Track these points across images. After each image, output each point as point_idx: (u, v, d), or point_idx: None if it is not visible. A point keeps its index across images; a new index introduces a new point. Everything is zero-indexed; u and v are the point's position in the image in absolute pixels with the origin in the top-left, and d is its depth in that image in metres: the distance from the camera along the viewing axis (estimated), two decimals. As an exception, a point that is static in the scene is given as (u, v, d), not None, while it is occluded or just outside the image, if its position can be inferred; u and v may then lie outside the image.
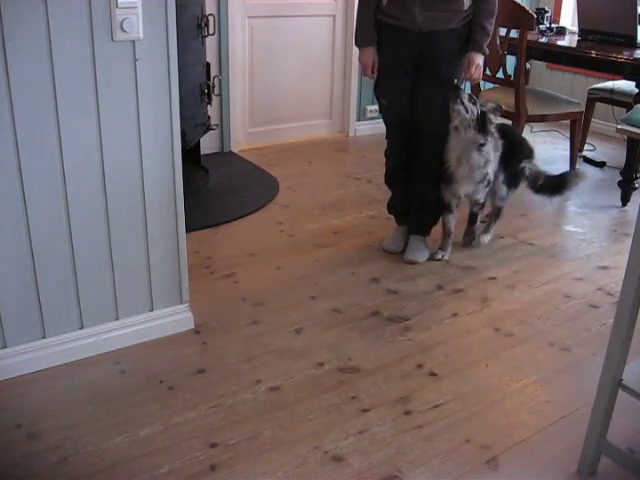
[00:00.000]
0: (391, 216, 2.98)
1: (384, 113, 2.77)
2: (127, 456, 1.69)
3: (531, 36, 3.68)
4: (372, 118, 4.66)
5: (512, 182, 2.93)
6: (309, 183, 3.70)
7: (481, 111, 2.61)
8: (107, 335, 2.09)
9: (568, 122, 3.92)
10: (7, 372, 1.95)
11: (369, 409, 1.89)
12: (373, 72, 2.65)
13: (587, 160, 4.25)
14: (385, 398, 1.94)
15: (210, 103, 3.55)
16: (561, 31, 4.10)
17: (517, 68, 3.62)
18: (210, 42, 3.68)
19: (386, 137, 2.82)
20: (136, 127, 1.92)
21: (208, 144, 4.00)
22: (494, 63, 3.68)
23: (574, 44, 3.75)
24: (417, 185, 2.81)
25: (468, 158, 2.63)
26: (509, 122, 3.71)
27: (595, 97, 4.26)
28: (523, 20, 3.41)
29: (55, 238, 1.91)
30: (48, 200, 1.86)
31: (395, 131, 2.76)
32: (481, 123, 2.59)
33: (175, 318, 2.21)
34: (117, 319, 2.11)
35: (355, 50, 4.34)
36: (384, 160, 2.86)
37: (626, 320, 1.47)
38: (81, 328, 2.06)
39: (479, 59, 2.59)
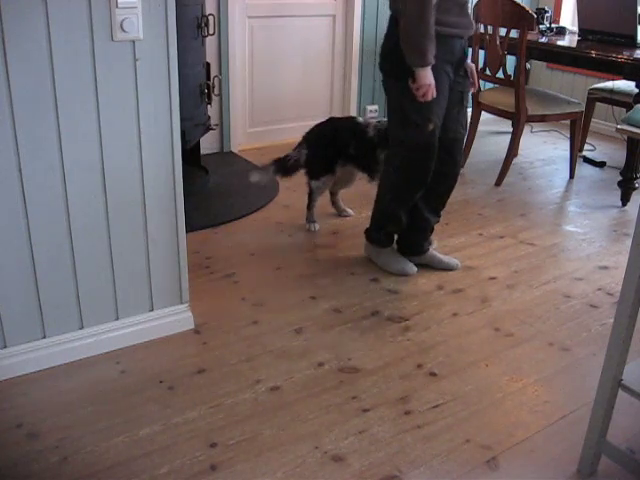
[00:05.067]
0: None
1: (427, 137, 2.40)
2: (127, 456, 1.69)
3: (531, 36, 3.68)
4: (372, 118, 4.65)
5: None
6: (309, 183, 3.70)
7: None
8: (107, 335, 2.10)
9: (568, 122, 3.92)
10: (7, 372, 1.95)
11: (369, 409, 1.89)
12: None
13: (587, 160, 4.25)
14: (385, 398, 1.94)
15: (210, 103, 3.55)
16: (561, 31, 4.10)
17: (517, 68, 3.62)
18: (210, 42, 3.68)
19: (411, 164, 2.48)
20: (136, 127, 1.92)
21: (208, 144, 4.00)
22: (494, 63, 3.69)
23: (574, 44, 3.75)
24: (439, 205, 2.72)
25: None
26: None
27: (595, 97, 4.26)
28: (523, 20, 3.41)
29: (55, 238, 1.91)
30: (48, 200, 1.86)
31: (433, 155, 2.46)
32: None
33: (175, 318, 2.21)
34: (117, 319, 2.11)
35: (355, 50, 4.42)
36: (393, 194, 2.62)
37: (626, 320, 1.47)
38: (81, 328, 2.06)
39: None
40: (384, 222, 2.70)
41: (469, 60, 2.57)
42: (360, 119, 2.99)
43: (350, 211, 3.31)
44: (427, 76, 2.28)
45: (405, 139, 2.47)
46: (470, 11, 2.42)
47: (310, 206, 3.13)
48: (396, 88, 2.41)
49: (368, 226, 2.78)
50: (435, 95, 2.32)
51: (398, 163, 2.55)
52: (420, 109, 2.36)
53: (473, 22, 2.42)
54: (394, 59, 2.33)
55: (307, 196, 3.12)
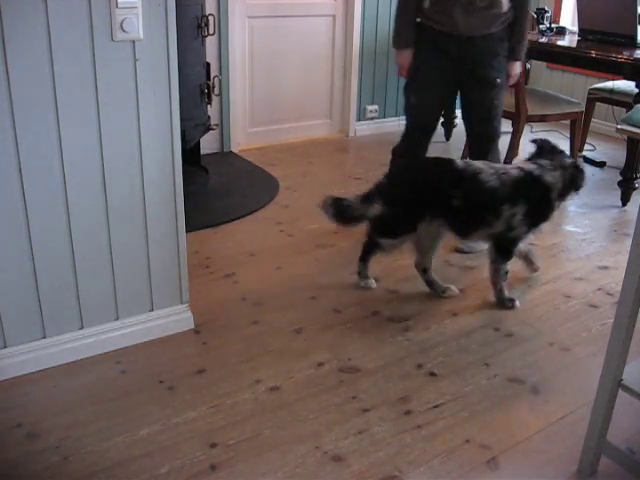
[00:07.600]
0: None
1: (410, 111, 2.80)
2: (127, 456, 1.69)
3: (531, 36, 3.67)
4: (372, 118, 4.66)
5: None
6: (309, 183, 3.69)
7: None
8: (107, 335, 2.09)
9: (568, 122, 3.92)
10: (7, 372, 1.95)
11: (369, 409, 1.89)
12: (408, 73, 2.73)
13: (587, 160, 4.25)
14: (385, 398, 1.94)
15: (210, 103, 3.55)
16: (561, 31, 4.11)
17: (517, 68, 3.61)
18: (210, 42, 3.67)
19: (403, 136, 2.85)
20: (136, 127, 1.92)
21: (208, 144, 4.00)
22: (494, 63, 3.68)
23: (574, 44, 3.75)
24: None
25: None
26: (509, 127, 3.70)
27: (595, 97, 4.26)
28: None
29: (55, 238, 1.91)
30: (48, 200, 1.86)
31: (416, 132, 2.80)
32: None
33: (175, 318, 2.21)
34: (117, 319, 2.11)
35: (355, 50, 4.42)
36: (390, 158, 2.89)
37: (626, 320, 1.47)
38: (81, 328, 2.06)
39: (517, 68, 2.72)
40: None
41: (513, 62, 2.71)
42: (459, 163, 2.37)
43: (454, 289, 2.53)
44: (399, 57, 2.77)
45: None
46: (457, 12, 2.51)
47: (365, 259, 2.55)
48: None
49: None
50: (407, 74, 2.78)
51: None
52: (406, 83, 2.82)
53: (460, 22, 2.52)
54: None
55: (362, 246, 2.55)
